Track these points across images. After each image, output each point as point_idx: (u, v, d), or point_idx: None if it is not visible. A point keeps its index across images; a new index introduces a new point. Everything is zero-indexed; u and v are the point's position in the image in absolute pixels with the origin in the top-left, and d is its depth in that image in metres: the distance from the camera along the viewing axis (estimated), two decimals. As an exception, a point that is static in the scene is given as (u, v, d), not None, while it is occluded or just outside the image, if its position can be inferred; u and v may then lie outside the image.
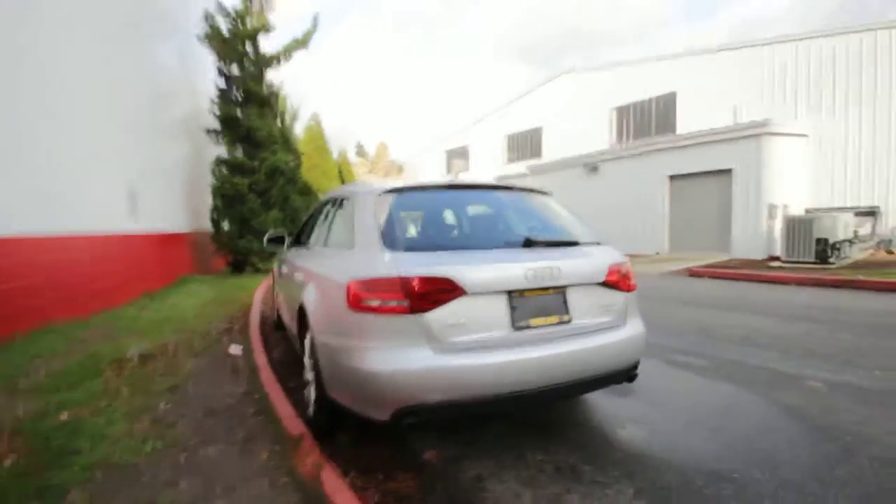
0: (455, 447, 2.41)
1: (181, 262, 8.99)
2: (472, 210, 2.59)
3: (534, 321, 2.14)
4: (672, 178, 13.74)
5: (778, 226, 11.78)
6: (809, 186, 13.21)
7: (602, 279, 2.37)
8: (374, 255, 2.12)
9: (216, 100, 9.62)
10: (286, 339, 4.74)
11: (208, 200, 9.80)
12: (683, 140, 13.38)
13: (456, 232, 2.46)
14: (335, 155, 33.84)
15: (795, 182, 12.77)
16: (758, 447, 2.39)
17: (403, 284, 1.96)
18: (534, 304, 2.16)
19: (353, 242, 2.38)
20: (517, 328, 2.10)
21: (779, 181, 12.24)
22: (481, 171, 24.48)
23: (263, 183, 9.86)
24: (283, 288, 3.96)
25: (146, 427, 2.59)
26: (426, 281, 1.97)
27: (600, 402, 3.01)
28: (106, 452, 2.29)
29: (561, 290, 2.24)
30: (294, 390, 3.18)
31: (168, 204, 8.66)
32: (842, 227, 10.28)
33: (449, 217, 2.52)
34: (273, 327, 5.30)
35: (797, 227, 10.18)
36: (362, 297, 2.02)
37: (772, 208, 12.08)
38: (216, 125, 9.79)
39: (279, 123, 11.18)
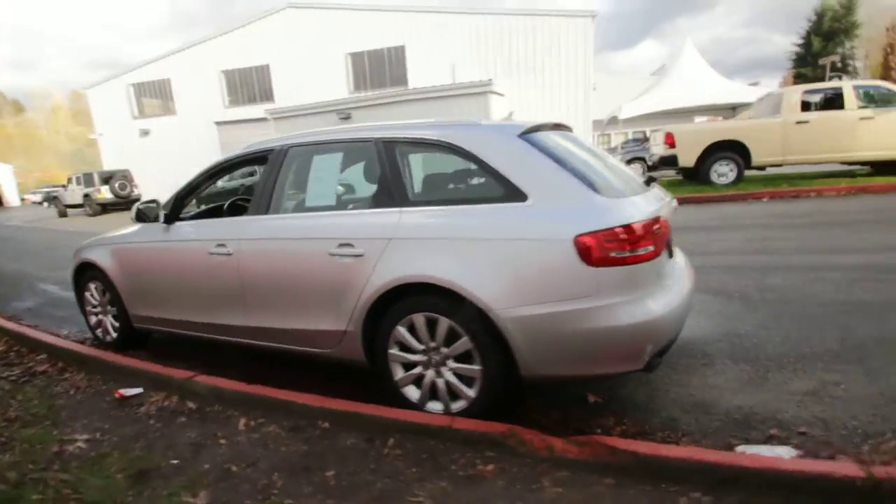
0: (596, 389, 2.48)
1: None
2: (580, 151, 2.49)
3: (672, 250, 2.43)
4: (421, 126, 15.14)
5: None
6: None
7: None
8: (595, 203, 1.91)
9: None
10: (166, 353, 3.30)
11: None
12: (429, 92, 14.80)
13: (598, 174, 2.34)
14: None
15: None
16: (776, 314, 3.23)
17: (648, 229, 1.89)
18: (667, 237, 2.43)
19: (517, 192, 2.00)
20: (669, 258, 2.34)
21: (498, 131, 15.36)
22: (194, 112, 20.21)
23: None
24: (225, 279, 2.70)
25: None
26: (659, 223, 1.96)
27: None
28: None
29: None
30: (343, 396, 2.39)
31: None
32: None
33: (579, 159, 2.35)
34: (112, 346, 3.49)
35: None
36: (611, 249, 1.83)
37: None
38: None
39: None
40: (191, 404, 2.55)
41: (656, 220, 2.00)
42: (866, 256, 4.40)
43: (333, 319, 2.38)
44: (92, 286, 3.58)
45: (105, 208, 17.76)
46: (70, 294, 3.93)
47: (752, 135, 9.41)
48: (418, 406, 2.25)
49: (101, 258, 3.40)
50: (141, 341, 3.56)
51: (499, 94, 15.49)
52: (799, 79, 42.63)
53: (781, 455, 1.75)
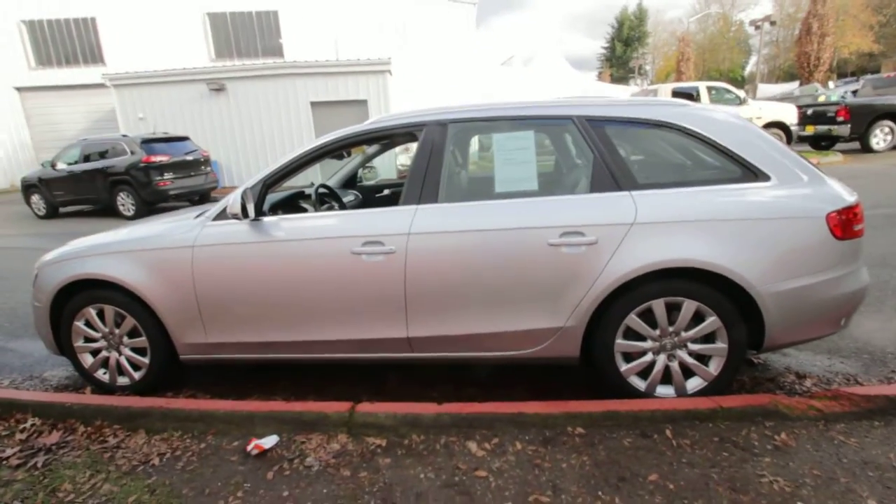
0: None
1: None
2: None
3: None
4: (314, 104, 13.88)
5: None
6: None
7: None
8: (829, 182, 2.10)
9: None
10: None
11: None
12: (323, 67, 13.59)
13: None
14: None
15: (395, 108, 15.99)
16: None
17: (861, 207, 2.16)
18: None
19: (758, 173, 2.08)
20: None
21: (395, 109, 14.97)
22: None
23: None
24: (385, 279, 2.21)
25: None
26: None
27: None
28: None
29: None
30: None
31: None
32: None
33: None
34: (131, 390, 2.59)
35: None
36: (852, 224, 2.05)
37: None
38: None
39: None
40: (375, 440, 2.05)
41: None
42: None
43: (546, 316, 2.16)
44: (91, 312, 2.55)
45: None
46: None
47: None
48: (647, 394, 2.21)
49: (122, 271, 2.44)
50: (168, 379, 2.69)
51: (391, 72, 15.06)
52: (611, 77, 50.71)
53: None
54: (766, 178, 2.09)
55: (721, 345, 2.12)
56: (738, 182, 2.11)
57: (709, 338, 2.14)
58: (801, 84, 23.81)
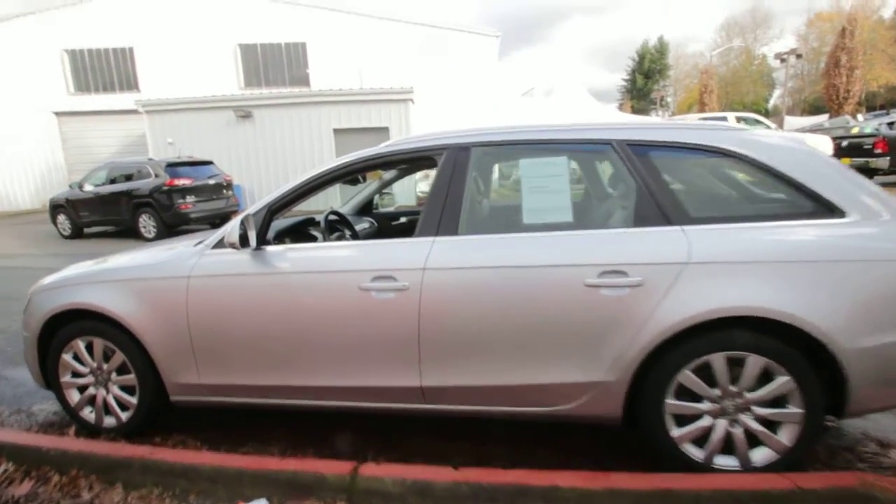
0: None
1: None
2: None
3: None
4: (336, 131, 14.05)
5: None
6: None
7: None
8: None
9: None
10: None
11: None
12: (346, 96, 13.80)
13: None
14: None
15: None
16: None
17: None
18: None
19: (831, 208, 1.78)
20: None
21: (416, 140, 15.05)
22: (20, 98, 15.75)
23: None
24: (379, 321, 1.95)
25: None
26: None
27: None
28: None
29: None
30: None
31: None
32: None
33: None
34: (117, 432, 2.35)
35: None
36: (954, 269, 1.71)
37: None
38: None
39: None
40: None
41: None
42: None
43: (582, 368, 1.86)
44: (80, 345, 2.35)
45: None
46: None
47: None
48: (704, 464, 1.86)
49: (113, 302, 2.24)
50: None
51: (413, 101, 15.23)
52: (632, 109, 50.80)
53: None
54: (841, 213, 1.79)
55: (795, 410, 1.78)
56: (810, 218, 1.80)
57: (779, 401, 1.80)
58: (830, 116, 23.30)
